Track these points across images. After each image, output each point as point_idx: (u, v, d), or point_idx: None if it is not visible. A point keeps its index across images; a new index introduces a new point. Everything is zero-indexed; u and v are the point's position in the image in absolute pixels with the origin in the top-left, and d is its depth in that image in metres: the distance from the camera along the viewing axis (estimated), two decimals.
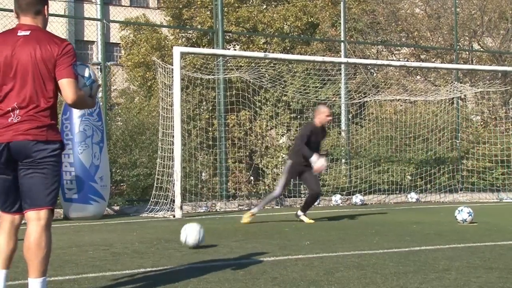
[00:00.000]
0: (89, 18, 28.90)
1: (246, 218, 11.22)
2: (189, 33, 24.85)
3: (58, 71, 4.57)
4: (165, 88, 14.58)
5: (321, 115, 11.20)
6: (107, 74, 16.92)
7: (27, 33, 4.60)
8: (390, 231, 9.61)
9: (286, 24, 24.05)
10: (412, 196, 17.93)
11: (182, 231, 7.81)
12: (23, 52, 4.55)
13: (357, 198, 16.77)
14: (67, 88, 4.56)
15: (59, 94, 4.69)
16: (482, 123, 21.20)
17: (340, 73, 18.81)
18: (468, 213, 10.71)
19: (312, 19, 23.91)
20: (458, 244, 7.93)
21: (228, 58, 16.75)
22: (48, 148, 4.57)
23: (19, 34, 4.61)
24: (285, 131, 19.99)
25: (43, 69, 4.56)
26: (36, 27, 4.67)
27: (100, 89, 16.44)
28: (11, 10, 15.15)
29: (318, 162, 10.94)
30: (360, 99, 18.85)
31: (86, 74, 4.82)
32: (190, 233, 7.75)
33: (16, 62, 4.55)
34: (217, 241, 8.48)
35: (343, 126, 18.89)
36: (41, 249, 4.47)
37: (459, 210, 10.84)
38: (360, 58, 21.17)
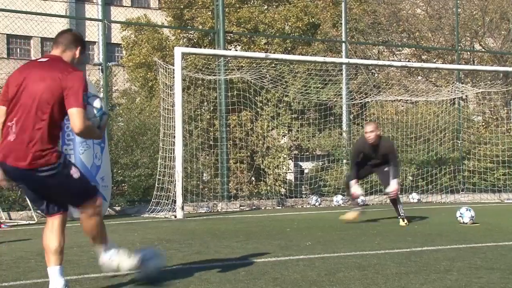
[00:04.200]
0: (90, 19, 28.99)
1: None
2: (190, 33, 24.85)
3: (67, 100, 4.73)
4: (166, 89, 14.57)
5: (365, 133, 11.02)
6: (108, 75, 16.90)
7: (45, 60, 4.85)
8: (391, 232, 9.61)
9: (287, 25, 24.03)
10: (414, 197, 17.91)
11: None
12: (33, 76, 4.76)
13: (358, 199, 16.72)
14: (75, 118, 4.72)
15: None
16: (483, 123, 21.18)
17: (341, 74, 18.81)
18: (469, 217, 10.69)
19: (313, 19, 23.90)
20: (459, 245, 7.92)
21: (229, 58, 16.75)
22: (49, 169, 4.79)
23: (39, 60, 4.90)
24: (286, 132, 19.99)
25: (49, 95, 4.73)
26: (58, 57, 4.89)
27: (102, 89, 16.47)
28: (12, 11, 15.20)
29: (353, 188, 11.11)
30: (362, 99, 18.85)
31: (98, 106, 4.95)
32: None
33: (24, 85, 4.76)
34: (218, 242, 8.48)
35: (344, 127, 18.89)
36: (94, 228, 5.13)
37: (461, 214, 10.80)
38: (361, 58, 21.18)
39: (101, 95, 15.95)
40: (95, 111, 4.90)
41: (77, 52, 4.96)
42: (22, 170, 4.75)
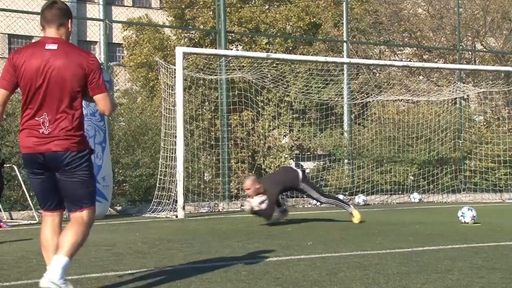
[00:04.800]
0: (91, 19, 28.93)
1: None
2: (192, 33, 24.83)
3: (91, 87, 4.82)
4: (167, 89, 14.58)
5: None
6: (109, 75, 16.89)
7: (55, 47, 4.79)
8: (392, 232, 9.60)
9: (289, 25, 24.03)
10: (415, 196, 17.90)
11: None
12: (54, 66, 4.74)
13: (359, 198, 16.75)
14: (104, 103, 4.87)
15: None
16: (485, 123, 21.17)
17: (343, 73, 18.80)
18: (471, 217, 10.69)
19: (314, 19, 23.88)
20: (461, 245, 7.91)
21: (230, 58, 16.75)
22: (78, 157, 4.82)
23: (47, 47, 4.80)
24: (288, 132, 19.98)
25: (74, 83, 4.76)
26: (62, 40, 4.87)
27: None
28: (13, 11, 15.20)
29: None
30: (363, 99, 18.84)
31: (108, 78, 5.05)
32: None
33: (48, 76, 4.73)
34: (219, 242, 8.49)
35: (345, 127, 18.88)
36: (78, 235, 4.86)
37: (462, 214, 10.79)
38: (363, 58, 21.15)
39: None
40: (108, 85, 5.07)
41: (70, 25, 4.94)
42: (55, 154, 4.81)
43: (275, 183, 11.03)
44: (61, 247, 4.83)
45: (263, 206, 10.58)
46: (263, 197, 10.63)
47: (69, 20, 4.94)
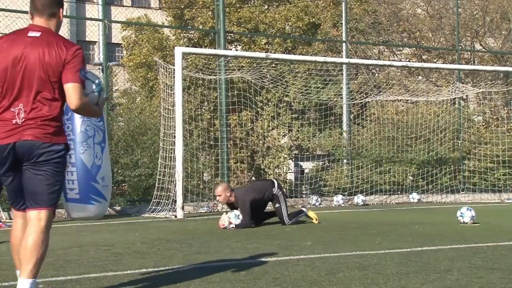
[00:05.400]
0: (90, 19, 28.91)
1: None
2: (191, 33, 24.82)
3: (65, 75, 4.53)
4: (166, 89, 14.56)
5: None
6: (108, 75, 16.89)
7: (38, 34, 4.57)
8: (391, 232, 9.58)
9: (288, 25, 24.02)
10: (414, 197, 17.90)
11: None
12: (32, 54, 4.51)
13: (358, 199, 16.75)
14: (72, 93, 4.54)
15: None
16: (484, 123, 21.16)
17: (342, 74, 18.79)
18: (470, 217, 10.68)
19: (313, 19, 23.88)
20: (460, 245, 7.89)
21: (229, 58, 16.73)
22: (52, 150, 4.55)
23: (29, 35, 4.58)
24: (287, 132, 19.98)
25: (52, 73, 4.53)
26: (48, 29, 4.64)
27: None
28: (12, 11, 15.19)
29: None
30: (362, 99, 18.83)
31: (97, 81, 4.77)
32: None
33: (24, 64, 4.51)
34: (219, 242, 8.47)
35: (344, 127, 18.87)
36: (38, 250, 4.44)
37: (461, 214, 10.79)
38: (362, 58, 21.15)
39: None
40: (93, 86, 4.71)
41: (61, 14, 4.74)
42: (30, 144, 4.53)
43: (248, 191, 10.96)
44: (24, 269, 4.42)
45: (238, 221, 10.49)
46: (236, 212, 10.55)
47: (61, 9, 4.73)
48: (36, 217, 4.52)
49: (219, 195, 10.74)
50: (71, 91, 4.52)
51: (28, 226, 4.54)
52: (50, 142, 4.54)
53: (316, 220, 11.02)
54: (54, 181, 4.57)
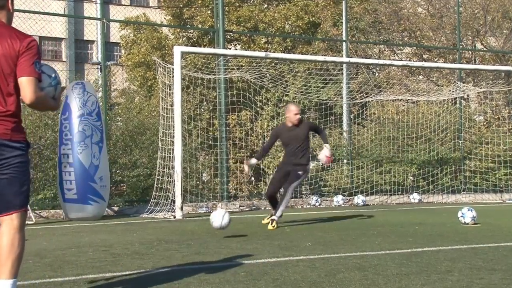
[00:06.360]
0: (89, 18, 28.89)
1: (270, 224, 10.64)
2: (190, 32, 24.79)
3: (19, 68, 4.39)
4: (165, 88, 14.52)
5: (289, 114, 10.88)
6: (107, 74, 16.83)
7: None
8: (392, 232, 9.57)
9: (288, 24, 23.99)
10: (415, 197, 17.85)
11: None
12: None
13: (359, 199, 16.71)
14: (26, 87, 4.39)
15: None
16: (485, 123, 21.12)
17: (342, 73, 18.75)
18: (471, 218, 10.65)
19: (313, 18, 23.86)
20: (460, 245, 7.89)
21: (229, 57, 16.69)
22: (12, 148, 4.43)
23: None
24: None
25: (5, 66, 4.39)
26: None
27: (100, 88, 16.40)
28: (19, 11, 15.12)
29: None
30: (362, 99, 18.78)
31: (52, 74, 4.64)
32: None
33: None
34: (218, 242, 8.45)
35: (345, 127, 18.83)
36: (14, 250, 4.38)
37: (462, 215, 10.75)
38: (362, 57, 21.12)
39: (100, 94, 15.89)
40: (50, 80, 4.61)
41: (10, 6, 4.56)
42: None
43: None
44: (2, 271, 4.35)
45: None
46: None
47: (9, 0, 4.54)
48: (8, 222, 4.43)
49: (296, 113, 10.75)
50: (26, 85, 4.39)
51: (1, 227, 4.45)
52: (9, 139, 4.41)
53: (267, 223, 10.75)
54: (21, 182, 4.47)
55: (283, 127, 11.10)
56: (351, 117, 19.13)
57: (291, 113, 10.79)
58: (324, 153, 10.87)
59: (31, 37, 4.53)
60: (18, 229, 4.42)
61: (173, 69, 13.92)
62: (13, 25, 4.65)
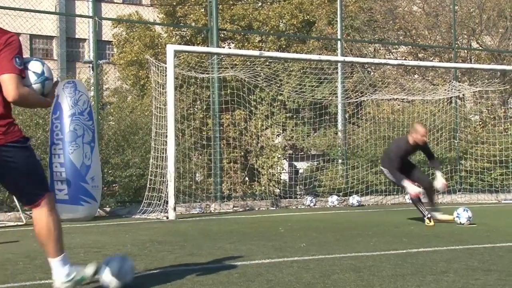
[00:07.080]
0: (80, 16, 28.80)
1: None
2: (183, 31, 24.71)
3: None
4: (158, 87, 14.46)
5: (416, 135, 11.13)
6: (99, 73, 16.74)
7: None
8: (387, 233, 9.54)
9: (282, 22, 23.95)
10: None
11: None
12: None
13: (354, 199, 16.64)
14: (7, 84, 4.32)
15: None
16: (480, 122, 21.08)
17: (337, 72, 18.70)
18: (467, 218, 10.63)
19: (308, 17, 23.83)
20: (456, 246, 7.87)
21: (222, 56, 16.65)
22: (12, 148, 4.46)
23: None
24: (281, 131, 19.87)
25: None
26: None
27: (92, 87, 16.29)
28: (9, 8, 14.99)
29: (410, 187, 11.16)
30: (357, 98, 18.72)
31: (39, 70, 4.55)
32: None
33: None
34: (211, 243, 8.39)
35: (339, 126, 18.79)
36: (51, 233, 4.68)
37: (458, 215, 10.71)
38: (357, 56, 21.07)
39: (92, 93, 15.78)
40: (35, 77, 4.52)
41: None
42: None
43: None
44: (48, 251, 4.76)
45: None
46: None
47: None
48: (38, 207, 4.69)
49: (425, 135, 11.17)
50: (7, 81, 4.32)
51: (33, 214, 4.74)
52: (5, 145, 4.41)
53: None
54: (34, 172, 4.61)
55: (407, 141, 11.35)
56: (346, 117, 19.08)
57: (419, 135, 11.11)
58: (441, 181, 11.45)
59: (11, 32, 4.46)
60: (48, 213, 4.69)
61: (166, 68, 13.86)
62: (4, 22, 4.59)
